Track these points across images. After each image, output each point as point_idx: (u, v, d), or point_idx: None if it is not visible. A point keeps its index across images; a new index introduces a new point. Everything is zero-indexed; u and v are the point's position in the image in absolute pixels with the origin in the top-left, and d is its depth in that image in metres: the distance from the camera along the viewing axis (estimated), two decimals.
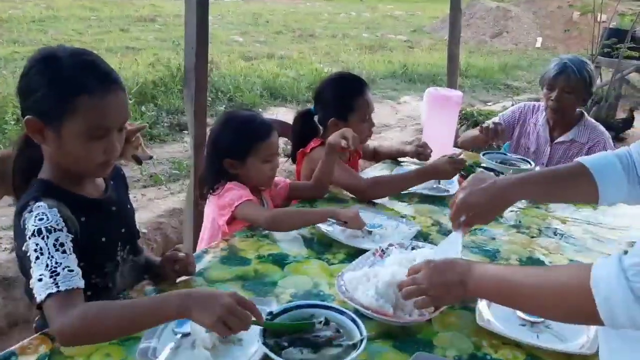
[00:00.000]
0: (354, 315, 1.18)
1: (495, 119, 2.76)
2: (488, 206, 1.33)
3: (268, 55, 9.28)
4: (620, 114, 6.73)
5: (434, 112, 2.52)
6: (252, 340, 1.14)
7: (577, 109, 2.60)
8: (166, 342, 1.13)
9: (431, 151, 2.40)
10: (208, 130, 2.20)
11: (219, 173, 1.81)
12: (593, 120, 2.66)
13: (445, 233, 1.80)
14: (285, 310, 1.19)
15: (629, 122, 6.35)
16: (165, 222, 3.33)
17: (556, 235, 1.86)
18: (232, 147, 1.80)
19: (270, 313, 1.17)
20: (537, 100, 2.78)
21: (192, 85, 2.34)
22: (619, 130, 6.13)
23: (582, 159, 1.31)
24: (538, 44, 12.65)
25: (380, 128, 5.90)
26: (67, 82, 1.13)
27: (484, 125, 2.61)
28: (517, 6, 13.93)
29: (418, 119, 6.21)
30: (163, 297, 1.08)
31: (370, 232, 1.72)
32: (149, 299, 1.05)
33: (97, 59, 1.18)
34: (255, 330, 1.12)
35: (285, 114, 5.78)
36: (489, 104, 7.51)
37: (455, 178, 2.21)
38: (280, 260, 1.55)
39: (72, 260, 1.09)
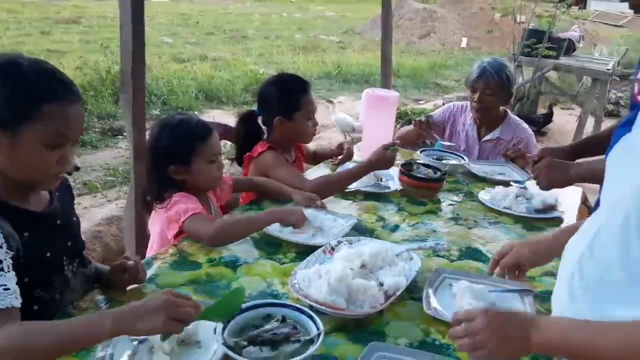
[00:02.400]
0: (309, 311, 1.22)
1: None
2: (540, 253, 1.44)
3: (201, 56, 9.13)
4: (541, 110, 7.17)
5: (372, 112, 2.60)
6: (211, 342, 1.15)
7: (501, 108, 2.77)
8: (123, 349, 1.12)
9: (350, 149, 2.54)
10: (147, 134, 2.15)
11: (164, 181, 1.75)
12: (517, 118, 2.85)
13: (391, 228, 1.89)
14: (241, 311, 1.21)
15: (548, 117, 6.78)
16: (104, 230, 3.22)
17: (491, 225, 1.97)
18: (174, 153, 1.74)
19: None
20: (466, 99, 2.95)
21: (129, 90, 2.28)
22: (540, 125, 6.53)
23: None
24: (463, 44, 13.19)
25: (318, 128, 5.95)
26: (31, 88, 1.11)
27: (417, 119, 2.77)
28: (442, 7, 14.46)
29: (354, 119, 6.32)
30: (99, 313, 1.06)
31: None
32: (86, 316, 1.04)
33: (57, 69, 1.18)
34: (212, 330, 1.13)
35: (222, 116, 5.73)
36: (421, 102, 7.77)
37: (395, 175, 2.29)
38: (232, 263, 1.57)
39: (8, 278, 1.06)
